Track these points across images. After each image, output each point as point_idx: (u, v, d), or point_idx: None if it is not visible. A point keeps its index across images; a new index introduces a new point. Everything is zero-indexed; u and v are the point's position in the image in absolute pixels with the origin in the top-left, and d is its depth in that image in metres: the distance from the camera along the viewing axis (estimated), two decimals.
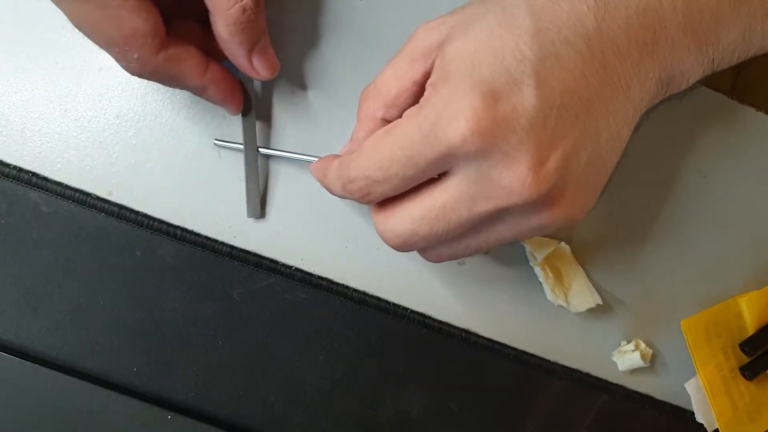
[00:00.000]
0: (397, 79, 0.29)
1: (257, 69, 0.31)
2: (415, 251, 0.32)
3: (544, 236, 0.37)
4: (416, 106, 0.27)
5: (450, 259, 0.31)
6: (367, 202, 0.29)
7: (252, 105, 0.34)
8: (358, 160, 0.27)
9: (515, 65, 0.24)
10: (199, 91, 0.31)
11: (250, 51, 0.30)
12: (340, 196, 0.30)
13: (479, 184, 0.25)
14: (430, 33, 0.28)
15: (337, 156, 0.31)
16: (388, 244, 0.29)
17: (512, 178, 0.25)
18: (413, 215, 0.27)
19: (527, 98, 0.24)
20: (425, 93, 0.27)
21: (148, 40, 0.27)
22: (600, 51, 0.26)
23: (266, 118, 0.35)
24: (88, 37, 0.27)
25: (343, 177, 0.28)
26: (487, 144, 0.24)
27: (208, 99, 0.32)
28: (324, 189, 0.31)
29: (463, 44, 0.26)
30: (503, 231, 0.28)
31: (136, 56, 0.27)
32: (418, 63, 0.28)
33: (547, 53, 0.25)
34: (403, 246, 0.29)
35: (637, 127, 0.29)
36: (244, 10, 0.28)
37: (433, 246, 0.29)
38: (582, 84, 0.25)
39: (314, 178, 0.32)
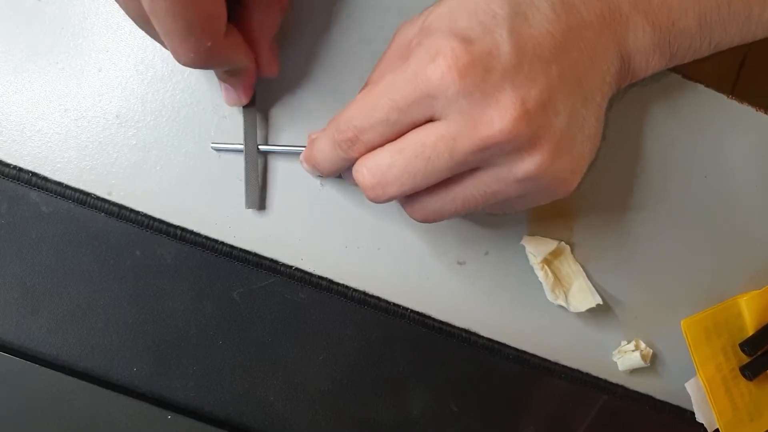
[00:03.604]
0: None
1: (271, 63, 0.32)
2: (399, 207, 0.31)
3: (544, 236, 0.37)
4: (401, 62, 0.28)
5: (436, 218, 0.30)
6: (356, 155, 0.29)
7: (254, 94, 0.34)
8: (346, 112, 0.28)
9: (488, 20, 0.26)
10: (238, 73, 0.31)
11: (270, 45, 0.32)
12: (329, 164, 0.30)
13: (460, 123, 0.26)
14: (411, 26, 0.30)
15: None
16: (362, 185, 0.29)
17: (493, 115, 0.26)
18: (391, 150, 0.27)
19: (501, 44, 0.26)
20: (408, 51, 0.28)
21: (221, 25, 0.27)
22: (564, 15, 0.28)
23: (266, 118, 0.35)
24: (168, 29, 0.26)
25: (332, 131, 0.29)
26: (466, 83, 0.25)
27: (234, 83, 0.32)
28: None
29: (439, 10, 0.28)
30: (489, 181, 0.28)
31: (209, 43, 0.27)
32: (405, 57, 0.29)
33: (516, 13, 0.27)
34: (377, 186, 0.28)
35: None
36: (282, 8, 0.31)
37: (416, 198, 0.29)
38: (550, 41, 0.27)
39: (304, 164, 0.33)
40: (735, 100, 0.38)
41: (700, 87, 0.37)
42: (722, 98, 0.38)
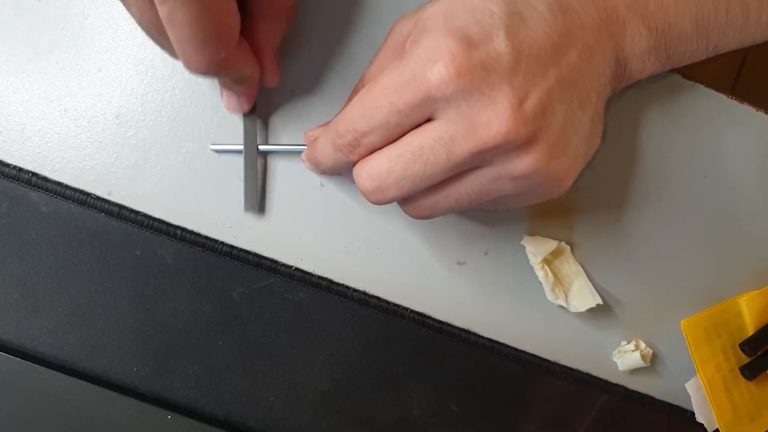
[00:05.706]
0: (382, 71, 0.29)
1: (274, 73, 0.32)
2: (399, 208, 0.31)
3: (544, 236, 0.37)
4: (397, 59, 0.28)
5: (431, 214, 0.30)
6: (357, 158, 0.29)
7: (255, 101, 0.34)
8: (345, 115, 0.28)
9: (486, 19, 0.26)
10: (243, 81, 0.31)
11: (273, 55, 0.32)
12: (331, 165, 0.30)
13: (458, 124, 0.26)
14: (407, 22, 0.30)
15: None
16: (362, 190, 0.29)
17: (491, 116, 0.26)
18: (390, 154, 0.27)
19: (499, 45, 0.26)
20: (405, 49, 0.28)
21: (235, 35, 0.27)
22: (561, 16, 0.28)
23: (265, 119, 0.35)
24: (185, 39, 0.26)
25: (332, 134, 0.29)
26: (465, 84, 0.25)
27: (238, 90, 0.32)
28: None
29: (436, 6, 0.27)
30: (485, 180, 0.28)
31: (223, 53, 0.27)
32: (401, 54, 0.29)
33: (513, 12, 0.27)
34: (376, 191, 0.28)
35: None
36: (289, 19, 0.31)
37: (412, 196, 0.29)
38: (547, 42, 0.27)
39: (306, 162, 0.33)
40: (735, 100, 0.38)
41: (700, 87, 0.37)
42: (722, 98, 0.38)
